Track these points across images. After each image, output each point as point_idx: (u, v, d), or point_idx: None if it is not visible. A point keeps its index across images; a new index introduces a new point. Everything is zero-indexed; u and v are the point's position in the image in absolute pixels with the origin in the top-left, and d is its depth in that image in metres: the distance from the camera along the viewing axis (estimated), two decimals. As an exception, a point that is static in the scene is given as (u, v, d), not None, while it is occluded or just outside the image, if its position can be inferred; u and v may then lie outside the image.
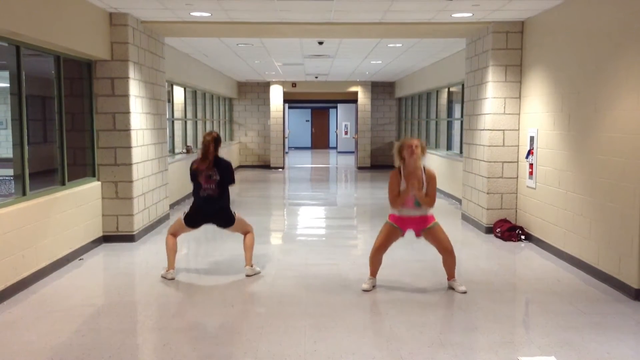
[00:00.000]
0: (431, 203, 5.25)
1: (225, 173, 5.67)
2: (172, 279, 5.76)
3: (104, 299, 5.39)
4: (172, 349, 4.06)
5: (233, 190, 13.20)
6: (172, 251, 5.81)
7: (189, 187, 5.99)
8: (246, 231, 5.97)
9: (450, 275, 5.46)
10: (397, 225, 5.32)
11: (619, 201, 5.36)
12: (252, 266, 5.93)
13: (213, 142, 5.62)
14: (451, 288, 5.42)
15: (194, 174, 5.68)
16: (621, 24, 5.37)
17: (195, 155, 5.81)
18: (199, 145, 5.90)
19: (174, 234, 5.87)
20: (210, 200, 5.66)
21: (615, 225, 5.44)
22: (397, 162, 5.46)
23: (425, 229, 5.30)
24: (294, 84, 18.95)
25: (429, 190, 5.22)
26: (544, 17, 7.08)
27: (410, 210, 5.25)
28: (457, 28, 8.05)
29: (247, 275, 5.87)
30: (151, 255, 6.90)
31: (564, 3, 6.51)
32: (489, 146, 7.91)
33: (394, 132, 19.58)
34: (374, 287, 5.43)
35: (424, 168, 5.26)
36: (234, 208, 5.96)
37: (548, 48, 6.98)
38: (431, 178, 5.23)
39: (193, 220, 5.78)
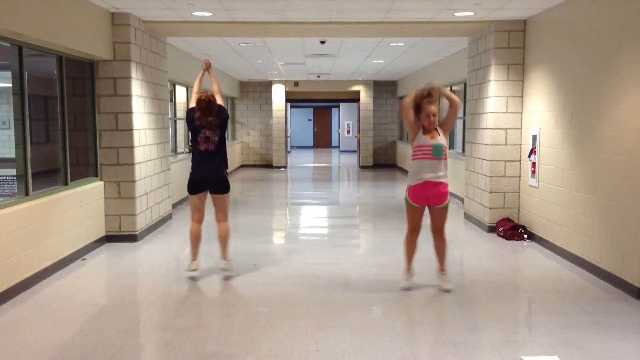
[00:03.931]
0: (457, 102, 5.26)
1: (223, 121, 5.69)
2: (194, 270, 5.75)
3: (106, 299, 5.40)
4: (175, 348, 4.07)
5: (235, 189, 13.26)
6: (194, 241, 5.78)
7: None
8: (225, 216, 5.82)
9: (442, 265, 5.38)
10: (415, 203, 5.22)
11: (622, 200, 5.35)
12: (229, 260, 5.88)
13: (213, 103, 5.63)
14: (438, 286, 5.38)
15: (196, 129, 5.63)
16: (624, 22, 5.35)
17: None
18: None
19: (194, 218, 5.79)
20: (209, 154, 5.62)
21: (618, 224, 5.43)
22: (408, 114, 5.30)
23: (437, 207, 5.21)
24: (296, 83, 18.95)
25: (447, 122, 5.27)
26: (546, 15, 7.07)
27: (429, 166, 5.10)
28: (459, 27, 8.04)
29: (223, 270, 5.81)
30: (154, 255, 6.91)
31: (566, 1, 6.50)
32: (492, 145, 7.90)
33: (397, 131, 19.57)
34: (410, 286, 5.35)
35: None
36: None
37: (550, 46, 6.97)
38: (442, 127, 5.23)
39: (194, 184, 5.69)
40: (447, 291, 5.29)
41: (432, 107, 5.12)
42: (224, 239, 5.84)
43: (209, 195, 5.81)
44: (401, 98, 18.92)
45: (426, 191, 5.17)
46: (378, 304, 5.08)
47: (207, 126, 5.60)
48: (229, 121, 18.31)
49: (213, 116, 5.61)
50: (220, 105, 5.73)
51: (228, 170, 5.83)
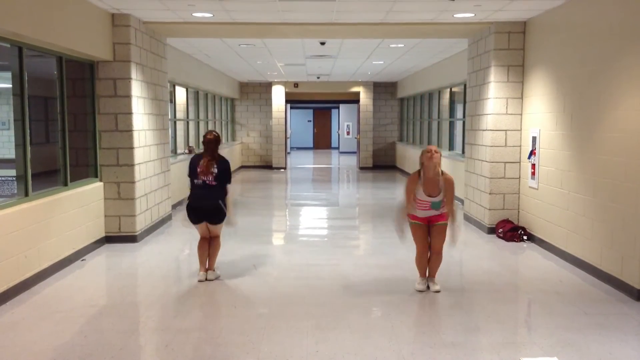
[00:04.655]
0: (450, 209, 5.33)
1: (223, 168, 5.67)
2: (201, 280, 5.71)
3: (106, 300, 5.40)
4: (174, 349, 4.06)
5: (235, 190, 13.25)
6: (201, 255, 5.78)
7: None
8: (217, 235, 5.85)
9: (433, 273, 5.50)
10: (418, 221, 5.36)
11: (622, 201, 5.35)
12: (214, 270, 5.88)
13: (214, 142, 5.66)
14: (428, 287, 5.46)
15: (193, 169, 5.67)
16: (623, 23, 5.36)
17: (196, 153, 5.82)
18: (201, 146, 5.84)
19: (200, 236, 5.82)
20: (207, 188, 5.60)
21: (617, 225, 5.43)
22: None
23: (439, 223, 5.34)
24: (295, 84, 18.95)
25: (447, 197, 5.27)
26: (546, 17, 7.07)
27: (427, 212, 5.32)
28: (459, 28, 8.05)
29: (208, 280, 5.74)
30: (153, 256, 6.91)
31: (566, 3, 6.50)
32: (491, 146, 7.90)
33: (396, 133, 19.58)
34: (428, 287, 5.45)
35: (442, 173, 5.28)
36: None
37: (550, 48, 6.97)
38: (449, 183, 5.26)
39: (192, 213, 5.70)
40: (436, 292, 5.37)
41: (432, 148, 5.27)
42: (213, 252, 5.86)
43: None
44: (401, 99, 19.00)
45: (425, 216, 5.36)
46: (378, 305, 5.08)
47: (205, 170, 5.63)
48: (229, 122, 18.36)
49: (208, 164, 5.62)
50: (221, 158, 5.73)
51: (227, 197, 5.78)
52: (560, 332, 4.39)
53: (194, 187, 5.68)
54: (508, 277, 6.14)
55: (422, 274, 5.49)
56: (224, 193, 5.71)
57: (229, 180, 5.72)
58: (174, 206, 9.87)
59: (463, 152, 10.60)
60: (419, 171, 5.33)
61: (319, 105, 29.36)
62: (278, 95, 18.98)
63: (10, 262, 5.13)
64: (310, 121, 31.47)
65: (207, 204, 5.63)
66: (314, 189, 14.91)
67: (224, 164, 5.68)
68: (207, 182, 5.59)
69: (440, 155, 5.29)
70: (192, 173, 5.66)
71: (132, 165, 7.39)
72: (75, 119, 7.12)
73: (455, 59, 11.36)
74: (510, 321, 4.80)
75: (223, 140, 16.69)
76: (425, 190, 5.22)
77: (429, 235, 5.39)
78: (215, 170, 5.59)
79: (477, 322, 4.66)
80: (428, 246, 5.42)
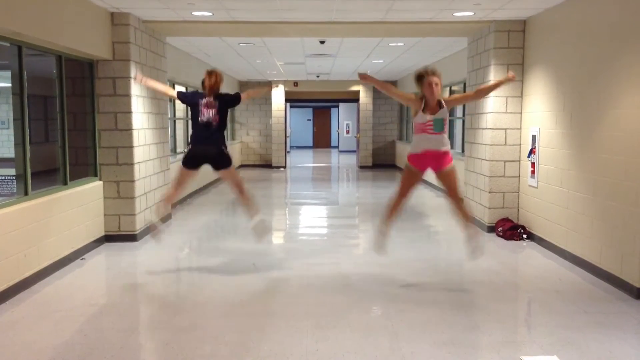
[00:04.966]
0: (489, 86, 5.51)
1: (227, 99, 5.77)
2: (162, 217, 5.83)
3: (106, 299, 5.40)
4: (174, 348, 4.07)
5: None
6: (166, 203, 5.92)
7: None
8: (240, 187, 5.87)
9: (466, 218, 5.37)
10: (415, 166, 5.25)
11: (621, 200, 5.35)
12: (254, 219, 5.95)
13: (218, 77, 5.72)
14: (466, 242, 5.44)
15: (195, 98, 5.68)
16: (624, 22, 5.36)
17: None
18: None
19: (171, 192, 5.85)
20: (210, 128, 5.62)
21: (617, 224, 5.43)
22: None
23: (443, 170, 5.20)
24: (295, 83, 18.95)
25: (457, 99, 5.45)
26: (546, 15, 7.07)
27: (429, 139, 5.12)
28: (459, 27, 8.04)
29: (255, 228, 5.92)
30: (153, 255, 6.91)
31: (566, 2, 6.50)
32: (491, 145, 7.90)
33: (396, 131, 19.58)
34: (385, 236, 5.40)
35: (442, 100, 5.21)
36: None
37: (550, 47, 6.97)
38: (447, 101, 5.21)
39: (191, 157, 5.71)
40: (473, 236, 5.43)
41: (434, 78, 5.11)
42: (247, 204, 5.94)
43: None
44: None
45: (427, 157, 5.18)
46: (378, 304, 5.09)
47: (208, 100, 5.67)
48: (229, 122, 18.33)
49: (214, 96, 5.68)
50: (228, 95, 5.85)
51: (227, 149, 5.86)
52: (560, 330, 4.39)
53: (196, 126, 5.68)
54: (508, 275, 6.14)
55: (389, 216, 5.44)
56: (224, 138, 5.79)
57: (236, 99, 5.87)
58: (174, 205, 9.87)
59: (463, 150, 10.60)
60: (421, 97, 5.17)
61: (318, 104, 29.35)
62: (278, 94, 18.98)
63: (10, 261, 5.13)
64: (310, 120, 31.47)
65: (210, 149, 5.67)
66: (314, 187, 14.91)
67: (226, 95, 5.79)
68: (210, 120, 5.59)
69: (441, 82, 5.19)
70: (194, 108, 5.66)
71: (132, 164, 7.39)
72: (75, 118, 7.12)
73: (455, 58, 11.35)
74: (510, 320, 4.80)
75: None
76: (427, 111, 5.12)
77: (415, 184, 5.33)
78: (218, 105, 5.64)
79: (477, 320, 4.66)
80: (407, 195, 5.37)
